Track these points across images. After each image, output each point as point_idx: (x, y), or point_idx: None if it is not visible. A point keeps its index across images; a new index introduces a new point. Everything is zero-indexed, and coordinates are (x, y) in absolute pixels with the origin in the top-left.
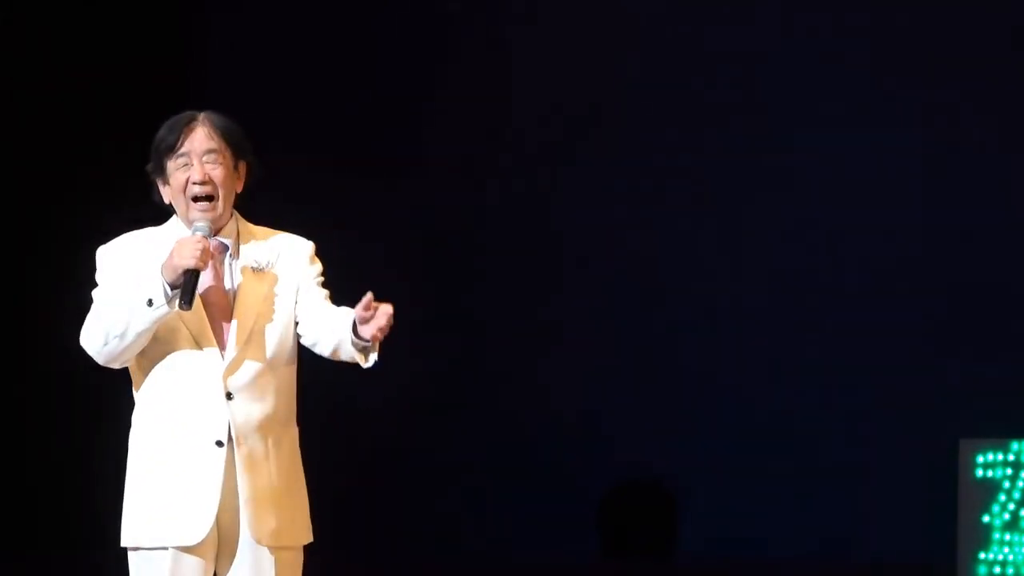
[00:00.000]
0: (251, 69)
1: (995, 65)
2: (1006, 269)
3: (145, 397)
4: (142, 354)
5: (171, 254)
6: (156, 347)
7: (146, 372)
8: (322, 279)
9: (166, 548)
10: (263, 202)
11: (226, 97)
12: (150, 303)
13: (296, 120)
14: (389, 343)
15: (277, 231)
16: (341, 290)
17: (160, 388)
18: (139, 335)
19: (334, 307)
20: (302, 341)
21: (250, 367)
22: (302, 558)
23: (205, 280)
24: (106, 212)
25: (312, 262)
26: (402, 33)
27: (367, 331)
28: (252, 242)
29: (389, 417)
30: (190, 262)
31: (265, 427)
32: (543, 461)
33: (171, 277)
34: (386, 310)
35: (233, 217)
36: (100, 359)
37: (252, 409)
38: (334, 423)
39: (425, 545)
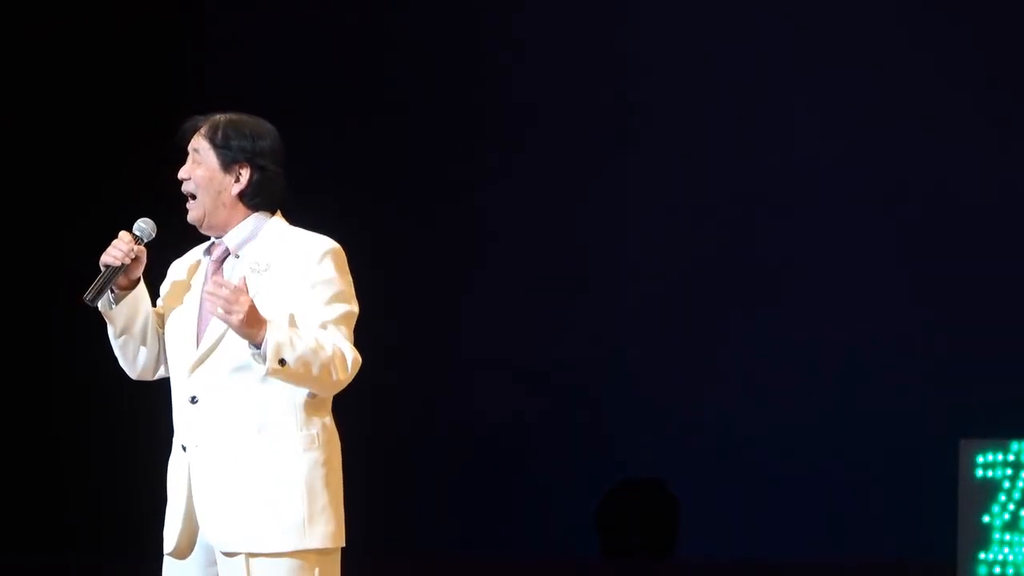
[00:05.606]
0: (251, 70)
1: None
2: (1006, 268)
3: None
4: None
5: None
6: (168, 348)
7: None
8: (327, 285)
9: (167, 555)
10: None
11: (228, 97)
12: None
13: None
14: (383, 345)
15: (305, 232)
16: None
17: (170, 391)
18: (115, 342)
19: (317, 323)
20: None
21: (218, 371)
22: (297, 564)
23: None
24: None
25: (319, 262)
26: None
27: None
28: (264, 244)
29: (386, 415)
30: (105, 258)
31: (235, 433)
32: (543, 461)
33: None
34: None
35: (251, 219)
36: (130, 374)
37: (217, 414)
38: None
39: (424, 545)
